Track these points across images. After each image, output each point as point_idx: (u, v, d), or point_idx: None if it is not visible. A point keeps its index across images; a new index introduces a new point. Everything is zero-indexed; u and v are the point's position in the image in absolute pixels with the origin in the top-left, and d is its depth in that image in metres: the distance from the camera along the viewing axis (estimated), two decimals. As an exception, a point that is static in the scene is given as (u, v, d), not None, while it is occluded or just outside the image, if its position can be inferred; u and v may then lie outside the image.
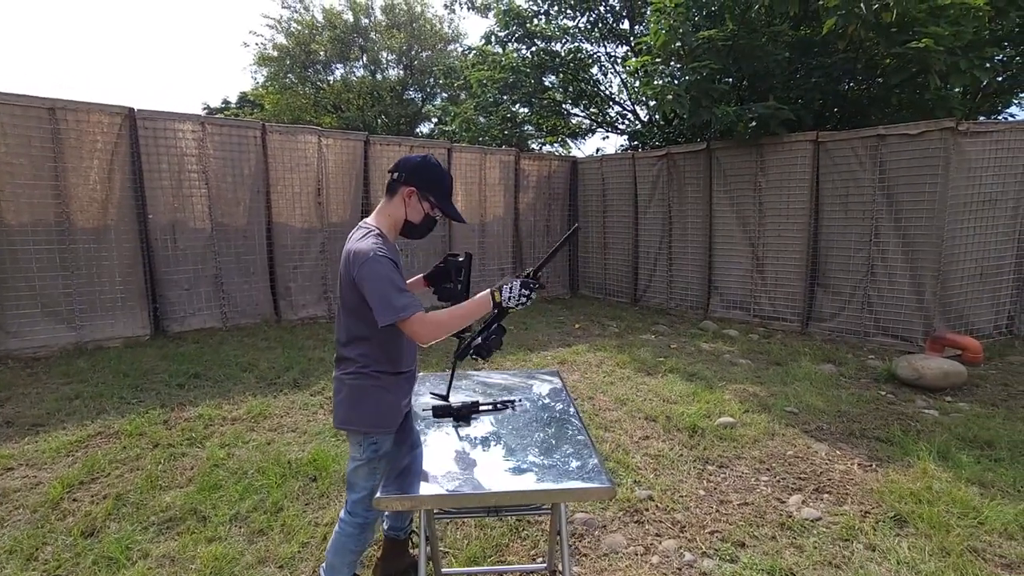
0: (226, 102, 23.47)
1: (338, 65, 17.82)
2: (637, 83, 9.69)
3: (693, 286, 7.22)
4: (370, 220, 1.70)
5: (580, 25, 10.31)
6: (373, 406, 1.65)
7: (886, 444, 3.36)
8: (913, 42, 5.30)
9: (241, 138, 5.76)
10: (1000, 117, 8.05)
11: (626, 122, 11.08)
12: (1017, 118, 7.81)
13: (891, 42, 5.61)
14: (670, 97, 5.55)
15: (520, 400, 1.98)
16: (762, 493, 2.82)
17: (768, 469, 3.07)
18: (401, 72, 18.37)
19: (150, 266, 5.39)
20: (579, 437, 1.72)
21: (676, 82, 5.70)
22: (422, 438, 1.73)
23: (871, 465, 3.09)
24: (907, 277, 5.43)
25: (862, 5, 5.28)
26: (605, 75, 10.86)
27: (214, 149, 5.60)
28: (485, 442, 1.69)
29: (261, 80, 18.60)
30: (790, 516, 2.58)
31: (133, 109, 5.18)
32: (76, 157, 4.88)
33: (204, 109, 23.10)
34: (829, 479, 2.95)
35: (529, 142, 12.19)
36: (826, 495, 2.79)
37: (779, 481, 2.94)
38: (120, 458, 3.00)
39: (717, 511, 2.63)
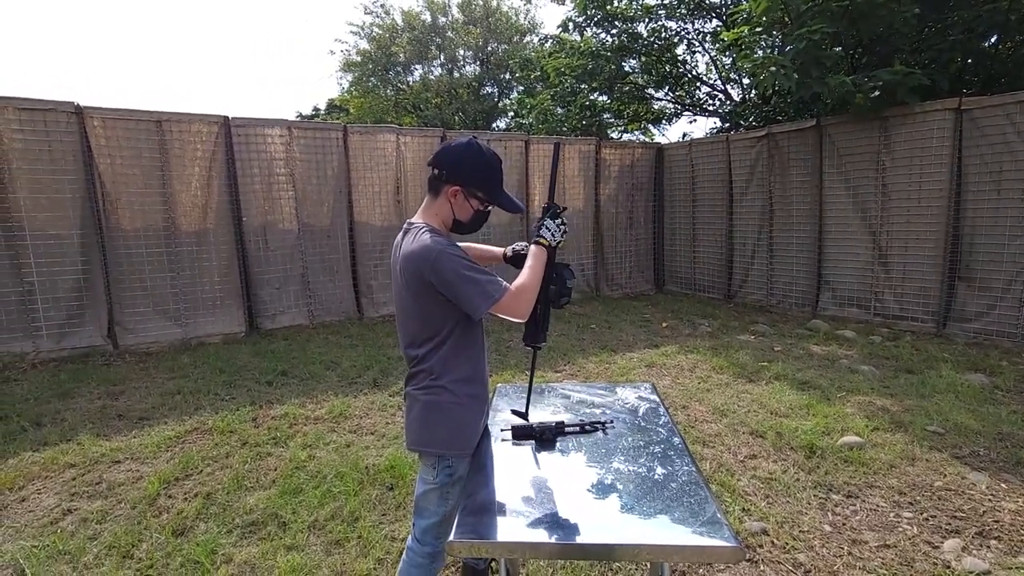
0: (316, 109, 24.88)
1: (417, 65, 18.21)
2: (730, 59, 8.91)
3: (799, 281, 6.46)
4: (416, 219, 1.55)
5: (664, 1, 9.64)
6: (449, 425, 1.51)
7: (1068, 479, 2.69)
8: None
9: (325, 140, 5.89)
10: None
11: (716, 103, 10.26)
12: None
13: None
14: (773, 69, 4.92)
15: (612, 421, 1.70)
16: (906, 533, 2.32)
17: (911, 503, 2.55)
18: (477, 68, 18.43)
19: (244, 266, 5.67)
20: (688, 471, 1.41)
21: (779, 53, 5.04)
22: (499, 462, 1.51)
23: (1053, 507, 2.47)
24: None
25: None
26: (692, 54, 10.10)
27: (300, 152, 5.78)
28: (573, 474, 1.43)
29: (346, 85, 19.47)
30: (948, 567, 2.09)
31: (228, 117, 5.45)
32: (180, 165, 5.21)
33: (297, 116, 24.67)
34: (996, 520, 2.38)
35: (609, 131, 11.67)
36: (993, 541, 2.25)
37: (927, 519, 2.42)
38: (212, 455, 3.08)
39: (850, 554, 2.19)
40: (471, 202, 1.52)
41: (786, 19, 5.61)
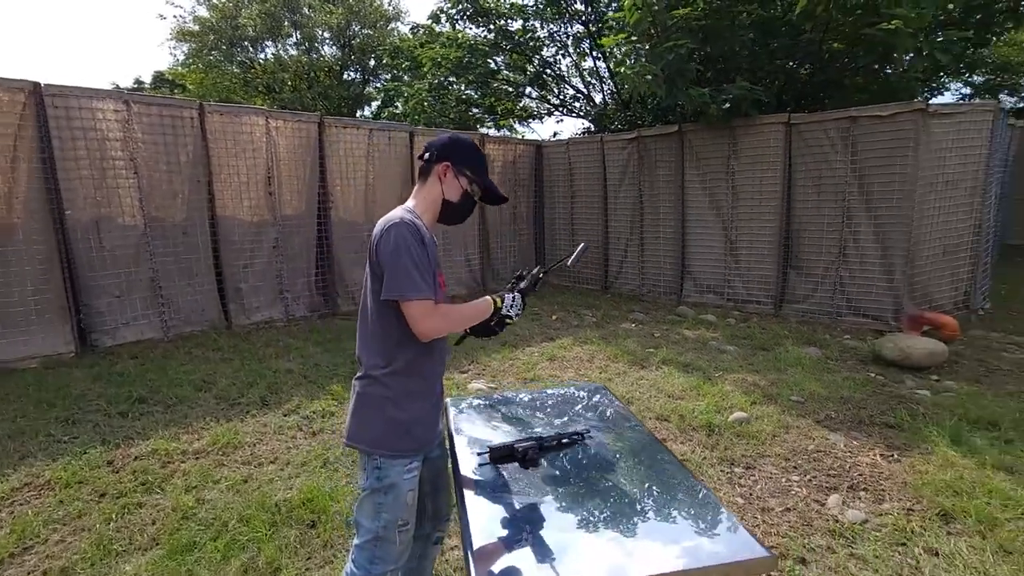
0: (138, 82, 21.23)
1: (269, 43, 16.46)
2: (605, 64, 9.47)
3: (666, 271, 7.14)
4: (403, 205, 1.55)
5: (532, 4, 9.92)
6: (379, 419, 1.43)
7: (897, 431, 3.33)
8: (883, 24, 5.34)
9: (175, 119, 5.00)
10: (941, 98, 8.47)
11: (579, 104, 10.86)
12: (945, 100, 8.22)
13: (858, 24, 5.65)
14: (649, 78, 5.33)
15: (588, 430, 1.67)
16: (799, 495, 2.68)
17: (796, 467, 2.95)
18: (338, 51, 17.23)
19: (71, 271, 4.60)
20: (682, 480, 1.43)
21: (647, 62, 5.48)
22: (485, 494, 1.39)
23: (892, 455, 3.04)
24: (878, 257, 5.56)
25: (835, -15, 5.26)
26: (559, 56, 10.57)
27: (143, 132, 4.83)
28: (572, 497, 1.36)
29: (180, 57, 16.89)
30: (837, 521, 2.45)
31: (40, 84, 4.33)
32: (-35, 143, 4.03)
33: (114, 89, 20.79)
34: (859, 474, 2.86)
35: (478, 126, 11.71)
36: (863, 492, 2.69)
37: (811, 480, 2.82)
38: (58, 516, 2.44)
39: (764, 521, 2.46)
40: (460, 180, 1.53)
41: (652, 31, 6.11)
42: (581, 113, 10.80)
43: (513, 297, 1.62)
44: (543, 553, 1.13)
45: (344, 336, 5.40)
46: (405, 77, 14.85)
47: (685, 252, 6.93)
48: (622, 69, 5.58)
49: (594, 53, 9.89)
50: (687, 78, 5.77)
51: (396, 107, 15.65)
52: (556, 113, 10.99)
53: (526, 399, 2.05)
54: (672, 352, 4.90)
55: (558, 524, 1.24)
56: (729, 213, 6.48)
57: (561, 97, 10.79)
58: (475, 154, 1.56)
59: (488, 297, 1.60)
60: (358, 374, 1.48)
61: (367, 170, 6.15)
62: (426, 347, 1.46)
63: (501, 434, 1.68)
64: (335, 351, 4.96)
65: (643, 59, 5.49)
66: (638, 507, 1.31)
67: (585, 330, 5.82)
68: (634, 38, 5.83)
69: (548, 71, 10.28)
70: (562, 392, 2.10)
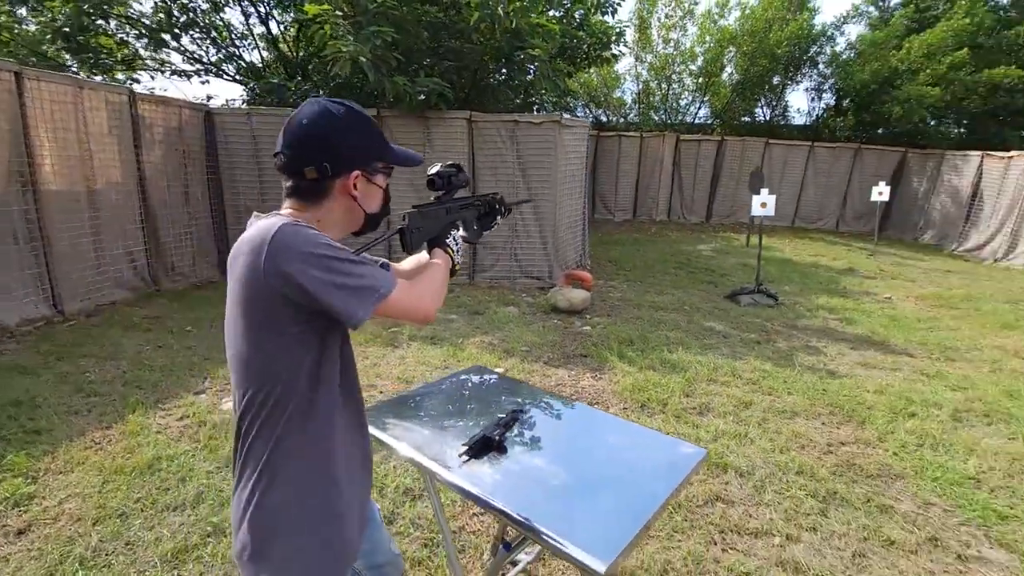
0: None
1: None
2: (282, 29, 8.48)
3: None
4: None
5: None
6: (308, 534, 1.12)
7: (590, 358, 4.74)
8: (528, 49, 6.87)
9: None
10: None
11: (235, 66, 9.53)
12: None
13: (512, 46, 7.06)
14: (363, 59, 5.32)
15: (520, 410, 1.95)
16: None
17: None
18: None
19: None
20: (618, 424, 1.94)
21: (358, 43, 5.44)
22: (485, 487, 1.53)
23: (596, 375, 4.36)
24: (537, 232, 7.30)
25: (500, 10, 6.41)
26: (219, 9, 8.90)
27: None
28: (560, 463, 1.67)
29: None
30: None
31: None
32: None
33: None
34: (587, 393, 4.01)
35: (78, 70, 8.65)
36: (596, 406, 3.83)
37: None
38: None
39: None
40: (377, 180, 1.18)
41: (346, 9, 6.04)
42: (235, 78, 9.46)
43: (455, 240, 1.42)
44: (580, 508, 1.45)
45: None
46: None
47: (390, 232, 7.30)
48: (343, 47, 5.33)
49: (275, 13, 8.81)
50: (390, 65, 6.02)
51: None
52: (206, 72, 9.26)
53: (426, 392, 2.14)
54: (411, 328, 5.31)
55: (566, 487, 1.55)
56: (428, 196, 7.16)
57: (223, 54, 9.16)
58: (373, 131, 1.16)
59: (433, 251, 1.36)
60: (258, 457, 1.12)
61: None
62: (347, 373, 1.23)
63: (442, 440, 1.79)
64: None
65: (350, 39, 5.40)
66: (611, 456, 1.74)
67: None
68: (339, 13, 5.64)
69: (190, 17, 8.52)
70: (453, 380, 2.27)
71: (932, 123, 13.78)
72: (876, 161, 13.15)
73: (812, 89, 14.65)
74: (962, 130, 14.12)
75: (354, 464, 1.26)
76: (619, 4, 8.82)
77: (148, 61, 8.77)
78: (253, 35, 9.53)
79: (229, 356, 1.14)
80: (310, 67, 8.81)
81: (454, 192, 1.45)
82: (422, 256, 1.49)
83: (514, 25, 6.57)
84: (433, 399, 2.09)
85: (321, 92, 7.88)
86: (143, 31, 8.17)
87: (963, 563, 2.39)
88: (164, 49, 8.55)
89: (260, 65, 9.30)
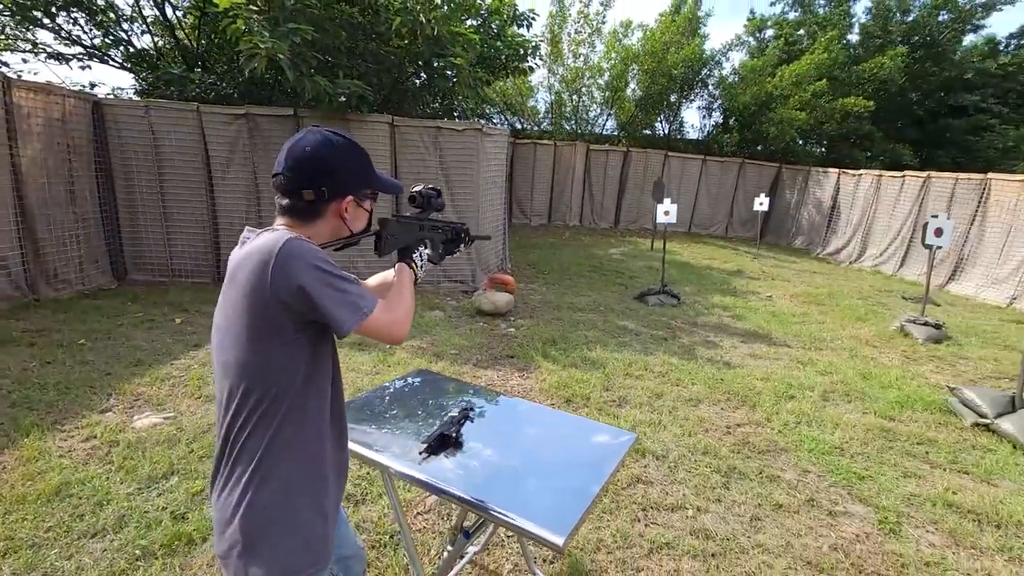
0: None
1: None
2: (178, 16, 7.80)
3: (289, 256, 7.08)
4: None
5: None
6: (293, 533, 1.21)
7: (514, 359, 4.97)
8: (450, 56, 6.99)
9: None
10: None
11: (123, 52, 8.65)
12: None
13: (433, 52, 7.14)
14: (282, 57, 5.13)
15: (467, 402, 2.10)
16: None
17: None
18: None
19: None
20: (553, 415, 2.13)
21: (276, 40, 5.23)
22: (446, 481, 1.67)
23: (523, 374, 4.59)
24: (460, 236, 7.43)
25: (422, 17, 6.48)
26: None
27: None
28: (509, 454, 1.83)
29: None
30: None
31: None
32: None
33: None
34: (515, 392, 4.23)
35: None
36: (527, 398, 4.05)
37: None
38: None
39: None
40: (365, 205, 1.32)
41: (260, 4, 5.79)
42: (124, 65, 8.60)
43: (421, 256, 1.49)
44: (531, 492, 1.64)
45: None
46: None
47: (307, 236, 7.07)
48: (259, 43, 5.07)
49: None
50: (309, 64, 5.86)
51: None
52: (83, 58, 8.29)
53: (377, 397, 2.22)
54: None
55: (519, 474, 1.73)
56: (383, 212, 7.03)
57: (102, 38, 8.24)
58: (366, 161, 1.30)
59: (398, 266, 1.42)
60: (245, 466, 1.20)
61: None
62: (335, 390, 1.33)
63: (395, 442, 1.90)
64: None
65: (267, 35, 5.18)
66: (557, 443, 1.94)
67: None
68: (253, 8, 5.38)
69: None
70: (399, 383, 2.36)
71: (800, 143, 15.77)
72: (757, 174, 14.79)
73: (703, 108, 16.14)
74: (823, 149, 16.27)
75: (339, 468, 1.35)
76: (534, 18, 9.20)
77: (19, 42, 7.72)
78: (143, 19, 8.72)
79: (220, 360, 1.20)
80: (213, 58, 8.27)
81: (429, 212, 1.57)
82: (387, 275, 1.60)
83: (436, 33, 6.65)
84: (383, 403, 2.18)
85: (226, 85, 7.43)
86: (8, 5, 7.18)
87: (833, 517, 2.90)
88: (36, 28, 7.57)
89: (154, 52, 8.53)
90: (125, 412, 3.56)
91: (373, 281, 1.65)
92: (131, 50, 8.46)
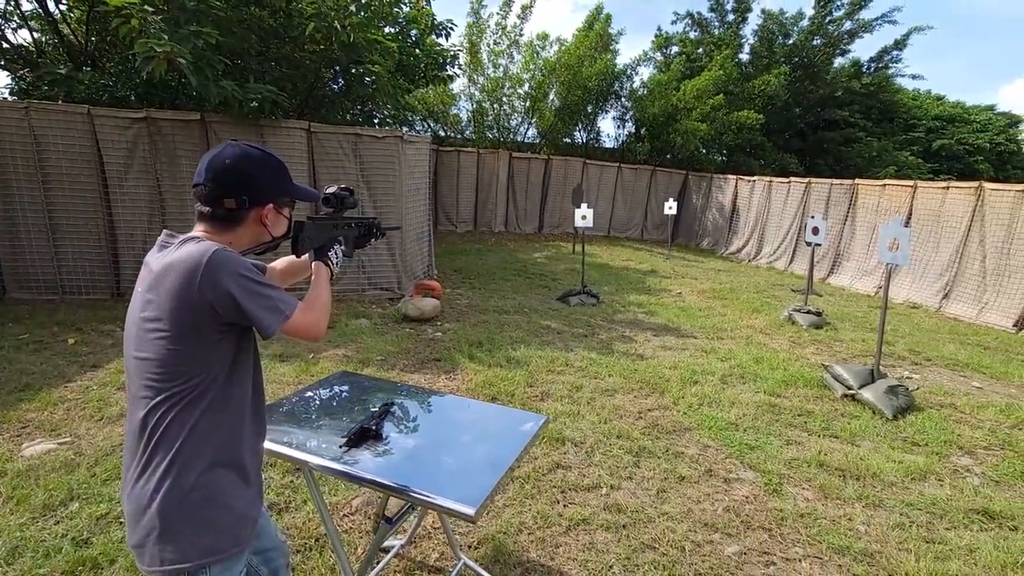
0: None
1: None
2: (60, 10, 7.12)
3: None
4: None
5: None
6: (212, 516, 1.27)
7: (441, 362, 5.07)
8: (367, 64, 6.98)
9: None
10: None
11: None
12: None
13: (349, 59, 7.10)
14: (183, 61, 4.88)
15: (391, 402, 2.19)
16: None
17: (409, 403, 4.13)
18: None
19: None
20: (466, 404, 2.27)
21: (174, 43, 4.98)
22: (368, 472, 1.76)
23: (450, 376, 4.70)
24: (384, 244, 7.40)
25: (336, 23, 6.43)
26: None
27: None
28: (429, 442, 1.94)
29: None
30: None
31: None
32: None
33: None
34: (443, 392, 4.32)
35: None
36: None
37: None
38: None
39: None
40: (284, 212, 1.43)
41: (158, 4, 5.51)
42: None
43: (336, 254, 1.59)
44: (448, 474, 1.77)
45: None
46: None
47: (219, 246, 6.75)
48: (156, 46, 4.79)
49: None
50: (215, 69, 5.64)
51: None
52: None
53: (297, 399, 2.25)
54: (277, 347, 5.06)
55: (436, 458, 1.86)
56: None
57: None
58: (284, 172, 1.40)
59: (314, 263, 1.52)
60: (162, 458, 1.25)
61: None
62: (252, 389, 1.41)
63: (327, 431, 1.97)
64: None
65: (165, 37, 4.92)
66: (471, 429, 2.08)
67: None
68: (150, 9, 5.10)
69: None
70: (321, 385, 2.40)
71: (704, 151, 17.07)
72: (667, 181, 15.84)
73: (617, 118, 17.05)
74: (724, 158, 17.72)
75: (258, 456, 1.42)
76: (452, 28, 9.36)
77: None
78: (19, 13, 7.92)
79: (137, 359, 1.26)
80: (105, 57, 7.68)
81: (343, 212, 1.67)
82: (292, 258, 1.67)
83: (352, 39, 6.62)
84: (302, 404, 2.23)
85: (122, 87, 6.93)
86: None
87: (727, 484, 3.26)
88: None
89: (33, 49, 7.76)
90: (12, 440, 3.28)
91: (280, 264, 1.73)
92: (4, 46, 7.64)
